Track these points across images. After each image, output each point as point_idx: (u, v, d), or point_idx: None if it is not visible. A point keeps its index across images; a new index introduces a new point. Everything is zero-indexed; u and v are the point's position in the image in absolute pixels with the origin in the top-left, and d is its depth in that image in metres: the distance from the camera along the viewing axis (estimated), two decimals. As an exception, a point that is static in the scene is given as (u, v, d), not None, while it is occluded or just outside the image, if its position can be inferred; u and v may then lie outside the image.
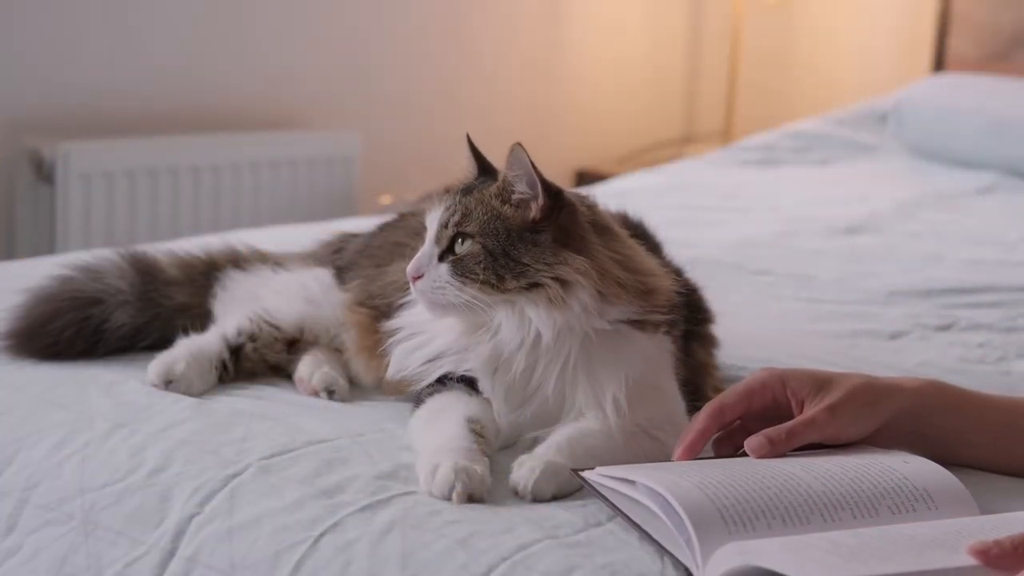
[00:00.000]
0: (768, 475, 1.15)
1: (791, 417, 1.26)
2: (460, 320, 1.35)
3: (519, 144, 1.32)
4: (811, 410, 1.24)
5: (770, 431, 1.22)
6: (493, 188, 1.35)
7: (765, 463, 1.19)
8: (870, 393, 1.25)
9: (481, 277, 1.31)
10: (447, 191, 1.40)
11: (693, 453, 1.25)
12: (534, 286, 1.31)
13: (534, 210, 1.32)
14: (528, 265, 1.32)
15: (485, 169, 1.40)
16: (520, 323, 1.32)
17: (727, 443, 1.29)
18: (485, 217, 1.33)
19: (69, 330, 1.56)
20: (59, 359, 1.57)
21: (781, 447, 1.22)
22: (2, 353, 1.58)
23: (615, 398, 1.30)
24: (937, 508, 1.14)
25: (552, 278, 1.31)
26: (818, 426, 1.23)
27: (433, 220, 1.35)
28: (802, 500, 1.12)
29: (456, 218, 1.33)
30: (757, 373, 1.29)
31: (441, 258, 1.33)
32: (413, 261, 1.34)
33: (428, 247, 1.34)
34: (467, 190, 1.37)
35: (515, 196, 1.33)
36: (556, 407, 1.33)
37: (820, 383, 1.25)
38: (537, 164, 1.32)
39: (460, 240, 1.33)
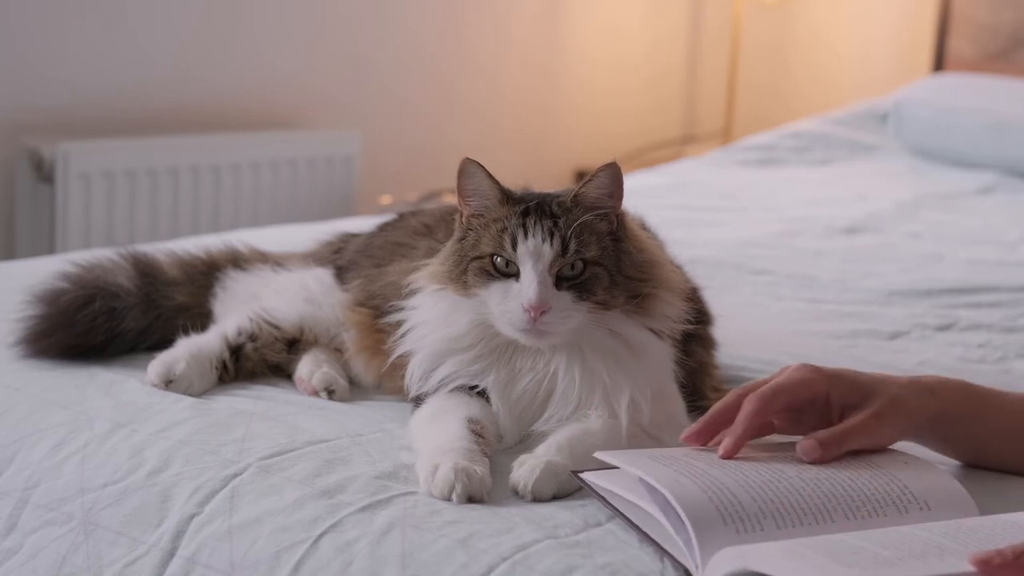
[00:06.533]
0: (764, 477, 1.15)
1: (819, 413, 1.25)
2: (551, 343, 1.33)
3: (616, 163, 1.32)
4: (859, 417, 1.23)
5: (821, 435, 1.21)
6: (571, 203, 1.33)
7: (760, 466, 1.18)
8: (908, 401, 1.25)
9: (599, 298, 1.32)
10: (478, 216, 1.36)
11: (739, 447, 1.20)
12: (634, 297, 1.33)
13: (614, 222, 1.34)
14: (631, 277, 1.34)
15: (505, 192, 1.36)
16: (607, 335, 1.33)
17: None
18: (593, 238, 1.32)
19: (100, 318, 1.56)
20: (83, 350, 1.56)
21: (832, 450, 1.20)
22: (31, 335, 1.56)
23: (633, 399, 1.31)
24: (930, 510, 1.15)
25: (651, 286, 1.34)
26: (866, 433, 1.22)
27: (533, 249, 1.30)
28: (794, 501, 1.12)
29: (574, 245, 1.31)
30: (803, 370, 1.26)
31: (557, 285, 1.31)
32: (535, 296, 1.28)
33: (542, 277, 1.30)
34: (542, 212, 1.33)
35: (601, 210, 1.33)
36: (565, 414, 1.33)
37: (864, 391, 1.25)
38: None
39: (573, 266, 1.31)
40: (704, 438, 1.24)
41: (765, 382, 1.26)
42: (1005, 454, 1.31)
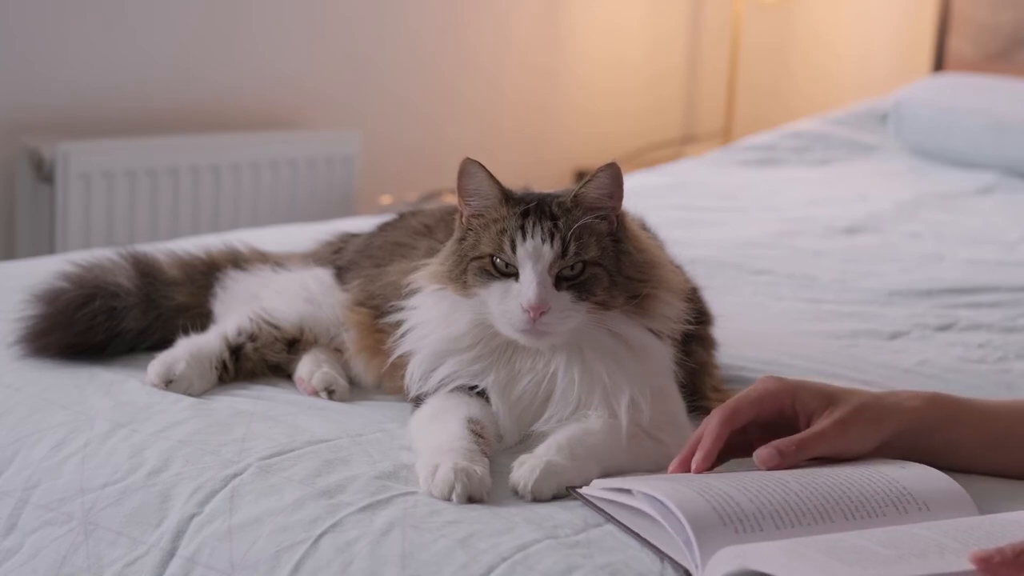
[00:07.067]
0: (760, 481, 1.15)
1: (791, 426, 1.25)
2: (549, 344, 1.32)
3: (616, 163, 1.32)
4: (822, 423, 1.23)
5: (780, 443, 1.22)
6: (571, 204, 1.33)
7: (756, 473, 1.19)
8: (876, 410, 1.25)
9: (599, 298, 1.31)
10: (478, 216, 1.35)
11: (710, 461, 1.22)
12: (634, 298, 1.33)
13: (614, 222, 1.34)
14: (631, 278, 1.34)
15: (505, 192, 1.36)
16: (607, 335, 1.33)
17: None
18: (593, 239, 1.32)
19: (100, 317, 1.56)
20: (83, 348, 1.56)
21: (791, 458, 1.21)
22: (30, 334, 1.56)
23: (633, 399, 1.31)
24: (929, 510, 1.15)
25: (650, 286, 1.34)
26: (828, 440, 1.23)
27: (532, 251, 1.30)
28: (793, 502, 1.12)
29: (574, 247, 1.31)
30: (767, 381, 1.27)
31: (557, 286, 1.31)
32: (534, 297, 1.28)
33: (542, 278, 1.29)
34: (542, 213, 1.32)
35: (601, 211, 1.33)
36: (565, 415, 1.33)
37: (829, 398, 1.25)
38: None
39: (573, 266, 1.31)
40: (688, 465, 1.24)
41: None
42: (979, 461, 1.30)
